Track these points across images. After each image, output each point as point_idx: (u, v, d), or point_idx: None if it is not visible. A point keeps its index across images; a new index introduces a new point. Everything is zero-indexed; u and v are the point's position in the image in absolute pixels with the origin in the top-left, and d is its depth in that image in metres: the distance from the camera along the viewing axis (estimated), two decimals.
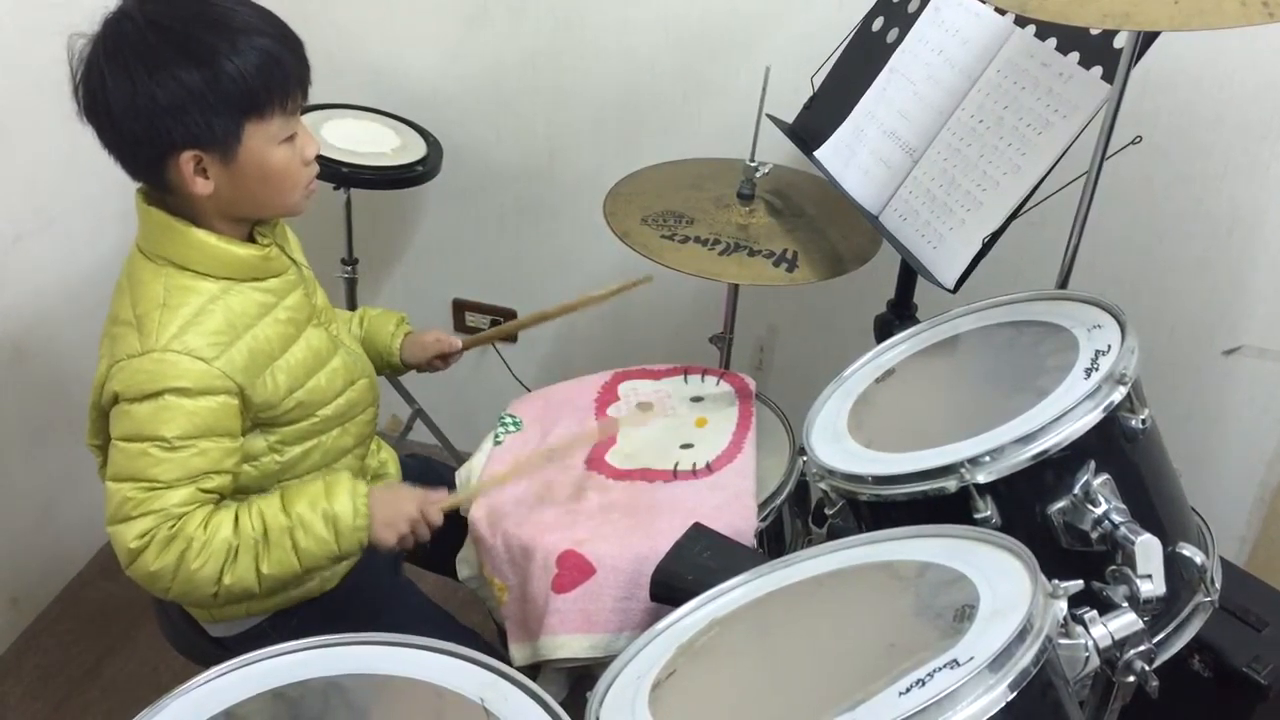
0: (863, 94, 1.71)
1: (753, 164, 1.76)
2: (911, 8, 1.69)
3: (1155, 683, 0.98)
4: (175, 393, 1.22)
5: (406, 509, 1.35)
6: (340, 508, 1.30)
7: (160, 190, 1.27)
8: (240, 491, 1.34)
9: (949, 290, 1.47)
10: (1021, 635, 0.82)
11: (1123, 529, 1.06)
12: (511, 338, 2.39)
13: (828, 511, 1.26)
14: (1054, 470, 1.09)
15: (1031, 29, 1.49)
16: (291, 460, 1.37)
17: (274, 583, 1.30)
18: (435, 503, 1.37)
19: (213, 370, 1.23)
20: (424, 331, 1.66)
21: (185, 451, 1.23)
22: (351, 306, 2.23)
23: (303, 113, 1.30)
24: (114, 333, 1.27)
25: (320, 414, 1.38)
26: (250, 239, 1.33)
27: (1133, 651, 0.95)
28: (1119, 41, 1.36)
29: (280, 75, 1.22)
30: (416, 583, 1.59)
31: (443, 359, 1.67)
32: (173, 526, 1.23)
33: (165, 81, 1.17)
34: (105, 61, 1.18)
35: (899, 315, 1.72)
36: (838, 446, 1.28)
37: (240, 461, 1.31)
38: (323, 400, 1.38)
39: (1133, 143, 1.42)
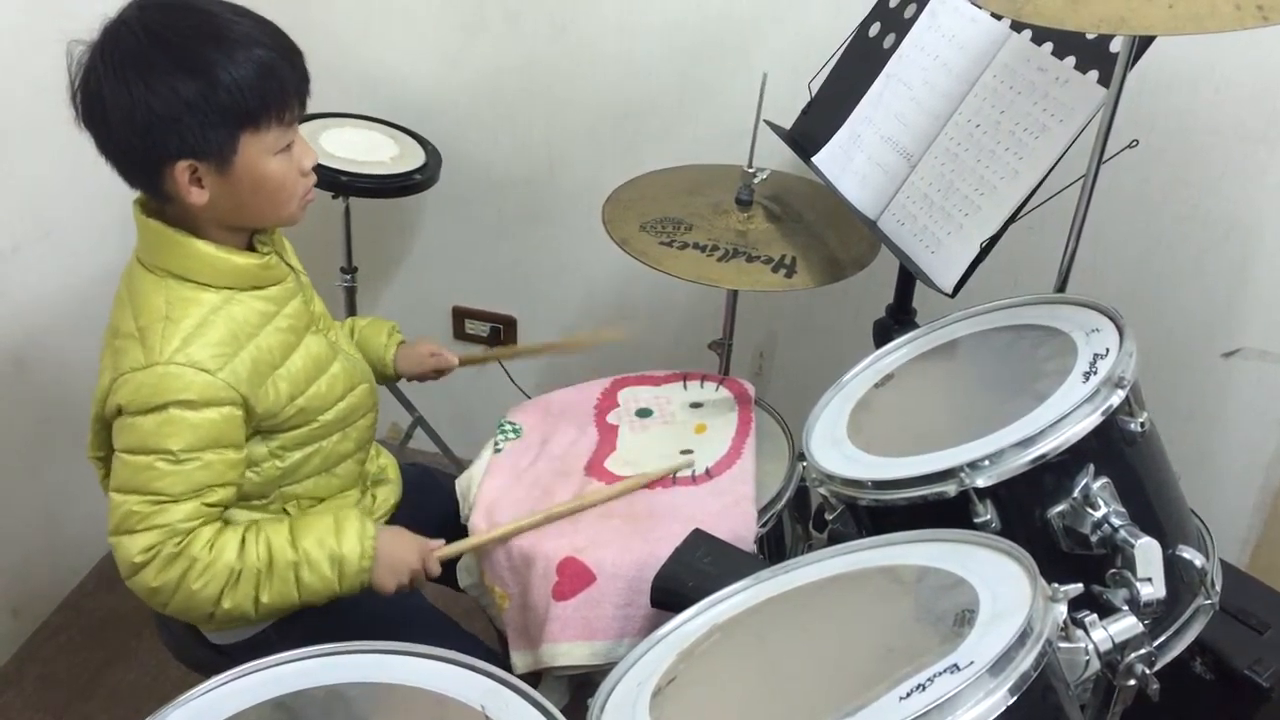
0: (860, 99, 1.71)
1: (750, 170, 1.76)
2: (908, 13, 1.69)
3: (1156, 685, 0.98)
4: (180, 405, 1.22)
5: (409, 559, 1.37)
6: (348, 550, 1.31)
7: (157, 199, 1.27)
8: (242, 498, 1.34)
9: (947, 295, 1.47)
10: (1021, 639, 0.82)
11: (1122, 532, 1.06)
12: None
13: (828, 516, 1.26)
14: (1053, 474, 1.09)
15: (1028, 34, 1.49)
16: (292, 465, 1.38)
17: (270, 610, 1.31)
18: (435, 553, 1.39)
19: (216, 382, 1.24)
20: (418, 342, 1.66)
21: (190, 464, 1.23)
22: (351, 315, 2.22)
23: (301, 122, 1.30)
24: (116, 345, 1.27)
25: (321, 419, 1.38)
26: (250, 247, 1.33)
27: (1133, 655, 0.95)
28: (1115, 45, 1.37)
29: (277, 88, 1.22)
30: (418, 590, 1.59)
31: (438, 372, 1.68)
32: (179, 544, 1.24)
33: (162, 91, 1.17)
34: (104, 69, 1.18)
35: (898, 320, 1.72)
36: (837, 451, 1.28)
37: (243, 473, 1.31)
38: (323, 406, 1.38)
39: (1129, 146, 1.42)
